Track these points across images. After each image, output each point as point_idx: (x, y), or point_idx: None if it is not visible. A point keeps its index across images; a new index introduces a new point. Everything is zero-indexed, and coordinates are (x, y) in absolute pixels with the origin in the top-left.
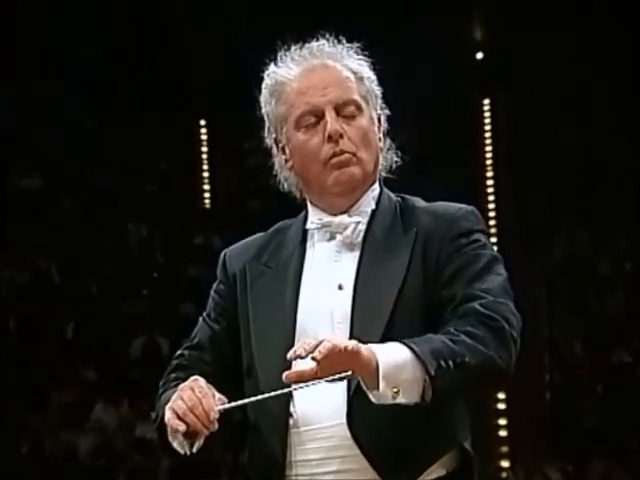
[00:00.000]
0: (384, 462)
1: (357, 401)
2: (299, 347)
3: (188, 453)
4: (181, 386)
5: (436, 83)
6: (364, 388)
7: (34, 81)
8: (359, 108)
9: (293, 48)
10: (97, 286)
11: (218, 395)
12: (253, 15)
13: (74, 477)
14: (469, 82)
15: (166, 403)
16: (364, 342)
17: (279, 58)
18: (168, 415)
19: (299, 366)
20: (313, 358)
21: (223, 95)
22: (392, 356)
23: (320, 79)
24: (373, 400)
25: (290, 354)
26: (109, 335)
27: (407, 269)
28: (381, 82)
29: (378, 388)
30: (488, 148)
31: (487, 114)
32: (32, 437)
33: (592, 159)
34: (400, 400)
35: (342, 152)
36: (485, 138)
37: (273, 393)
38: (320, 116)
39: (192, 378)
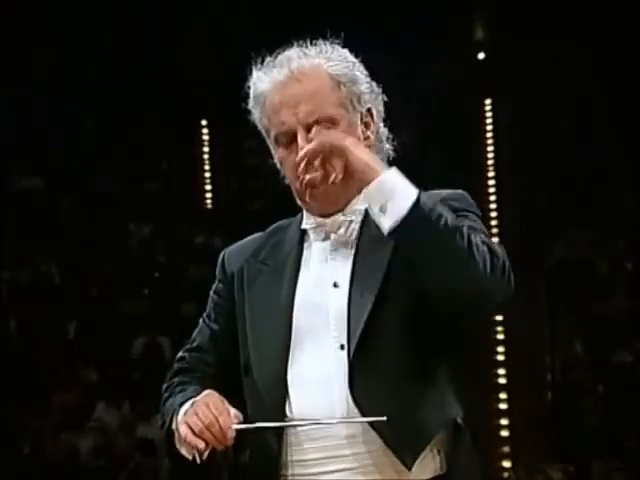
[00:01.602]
0: (392, 432)
1: (358, 375)
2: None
3: (198, 461)
4: (196, 400)
5: (437, 83)
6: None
7: (34, 81)
8: (333, 122)
9: (269, 58)
10: (98, 286)
11: (233, 411)
12: (255, 15)
13: (75, 478)
14: (471, 82)
15: (173, 410)
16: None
17: (257, 65)
18: (184, 430)
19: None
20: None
21: (224, 95)
22: (400, 180)
23: (292, 94)
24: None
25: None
26: (110, 335)
27: (390, 257)
28: (382, 83)
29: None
30: (490, 148)
31: (489, 114)
32: (33, 438)
33: (593, 159)
34: (387, 214)
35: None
36: (487, 138)
37: (296, 423)
38: (293, 137)
39: (206, 392)
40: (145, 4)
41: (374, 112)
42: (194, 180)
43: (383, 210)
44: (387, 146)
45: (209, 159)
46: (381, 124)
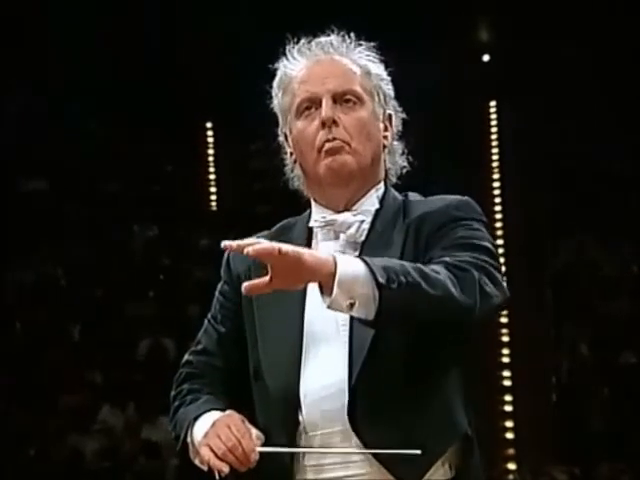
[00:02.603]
0: (392, 459)
1: (359, 399)
2: (234, 242)
3: (217, 478)
4: (217, 420)
5: (442, 85)
6: (320, 293)
7: (38, 83)
8: (359, 99)
9: (302, 42)
10: (103, 289)
11: (255, 432)
12: (260, 16)
13: (80, 479)
14: (475, 84)
15: (188, 423)
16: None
17: (288, 52)
18: (206, 453)
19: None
20: (247, 253)
21: (229, 97)
22: (349, 267)
23: (323, 69)
24: (325, 304)
25: (223, 243)
26: (115, 337)
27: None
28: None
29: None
30: (494, 150)
31: (493, 116)
32: (39, 440)
33: (598, 162)
34: (355, 313)
35: (334, 139)
36: (491, 140)
37: (322, 450)
38: (318, 104)
39: (227, 413)
40: (150, 6)
41: (393, 120)
42: (199, 182)
43: (353, 306)
44: (400, 161)
45: (214, 161)
46: (395, 138)
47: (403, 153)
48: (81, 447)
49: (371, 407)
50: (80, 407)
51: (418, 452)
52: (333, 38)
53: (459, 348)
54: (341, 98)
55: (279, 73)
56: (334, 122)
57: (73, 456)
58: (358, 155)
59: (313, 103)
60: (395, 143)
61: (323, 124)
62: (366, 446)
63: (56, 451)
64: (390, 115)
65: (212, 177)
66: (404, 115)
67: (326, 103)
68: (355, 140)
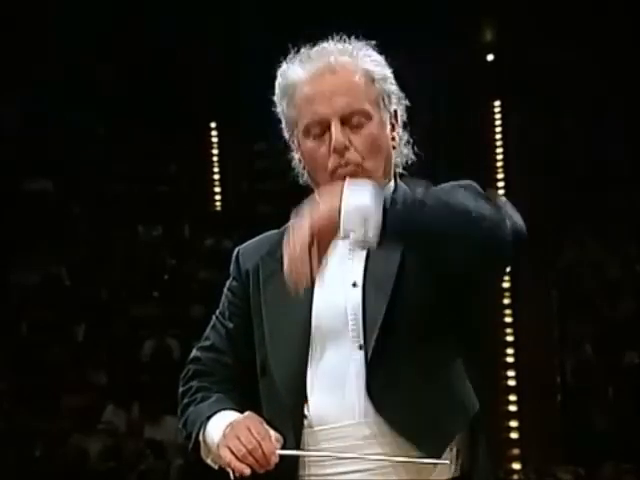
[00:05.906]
0: (415, 429)
1: (375, 375)
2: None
3: (232, 479)
4: (235, 422)
5: (446, 86)
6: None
7: (43, 83)
8: (367, 116)
9: (303, 48)
10: (107, 289)
11: (274, 434)
12: (264, 17)
13: None
14: (480, 84)
15: (200, 423)
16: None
17: (289, 56)
18: (227, 455)
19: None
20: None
21: (233, 98)
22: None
23: (328, 85)
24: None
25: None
26: (119, 338)
27: (402, 255)
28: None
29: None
30: (498, 150)
31: (498, 116)
32: (43, 440)
33: (602, 161)
34: (371, 232)
35: (347, 164)
36: (495, 141)
37: (341, 455)
38: (326, 126)
39: (246, 414)
40: (154, 7)
41: (399, 115)
42: (203, 182)
43: (367, 229)
44: (405, 151)
45: (218, 161)
46: (400, 129)
47: (408, 142)
48: (85, 447)
49: (389, 386)
50: (84, 407)
51: (447, 462)
52: (333, 43)
53: (473, 329)
54: (349, 119)
55: (282, 79)
56: (345, 147)
57: (77, 456)
58: (370, 174)
59: (321, 126)
60: (400, 133)
61: (334, 150)
62: (389, 418)
63: (60, 451)
64: (395, 111)
65: (216, 177)
66: (407, 102)
67: (336, 127)
68: (367, 160)
